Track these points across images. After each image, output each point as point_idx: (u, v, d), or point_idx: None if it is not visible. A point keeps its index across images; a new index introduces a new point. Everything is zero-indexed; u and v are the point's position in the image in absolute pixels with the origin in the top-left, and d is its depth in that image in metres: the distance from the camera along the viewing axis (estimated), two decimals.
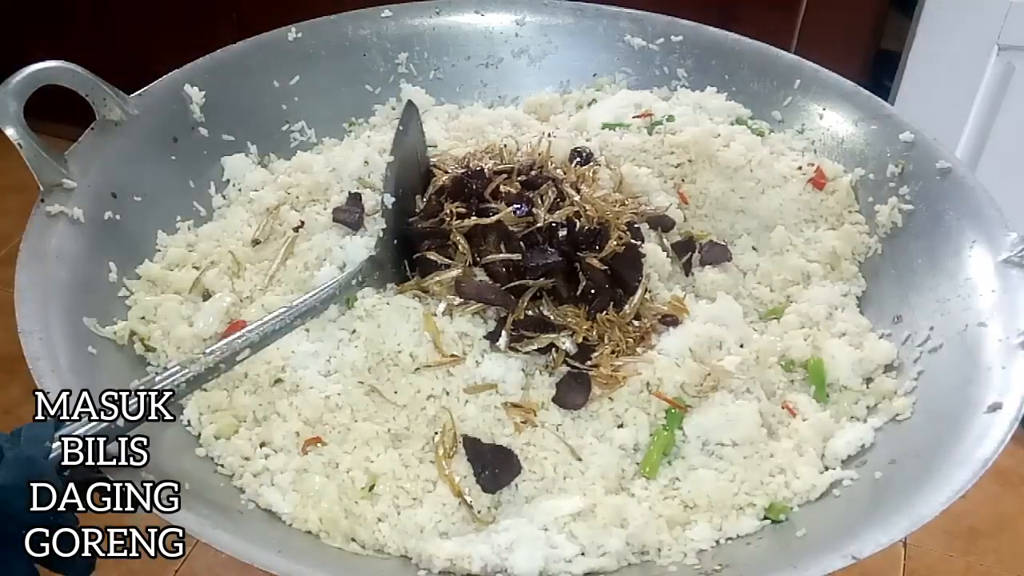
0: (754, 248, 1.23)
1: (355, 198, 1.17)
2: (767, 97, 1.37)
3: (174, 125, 1.22)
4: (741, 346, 1.06)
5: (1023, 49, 1.97)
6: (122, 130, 1.15)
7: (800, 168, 1.26)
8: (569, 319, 1.03)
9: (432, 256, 1.06)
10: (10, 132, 1.02)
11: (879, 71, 2.11)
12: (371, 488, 0.93)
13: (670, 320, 1.07)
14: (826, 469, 0.98)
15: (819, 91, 1.34)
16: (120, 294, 1.08)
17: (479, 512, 0.93)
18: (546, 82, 1.45)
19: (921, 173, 1.20)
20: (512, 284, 1.03)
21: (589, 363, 1.01)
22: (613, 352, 1.02)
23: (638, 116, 1.31)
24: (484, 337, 1.02)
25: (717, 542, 0.93)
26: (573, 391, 1.00)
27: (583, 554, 0.89)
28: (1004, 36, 1.96)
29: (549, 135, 1.26)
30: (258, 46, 1.33)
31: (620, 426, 0.99)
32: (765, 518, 0.95)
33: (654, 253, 1.13)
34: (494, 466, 0.95)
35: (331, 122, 1.37)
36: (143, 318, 1.06)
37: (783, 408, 1.04)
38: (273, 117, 1.33)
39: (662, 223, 1.18)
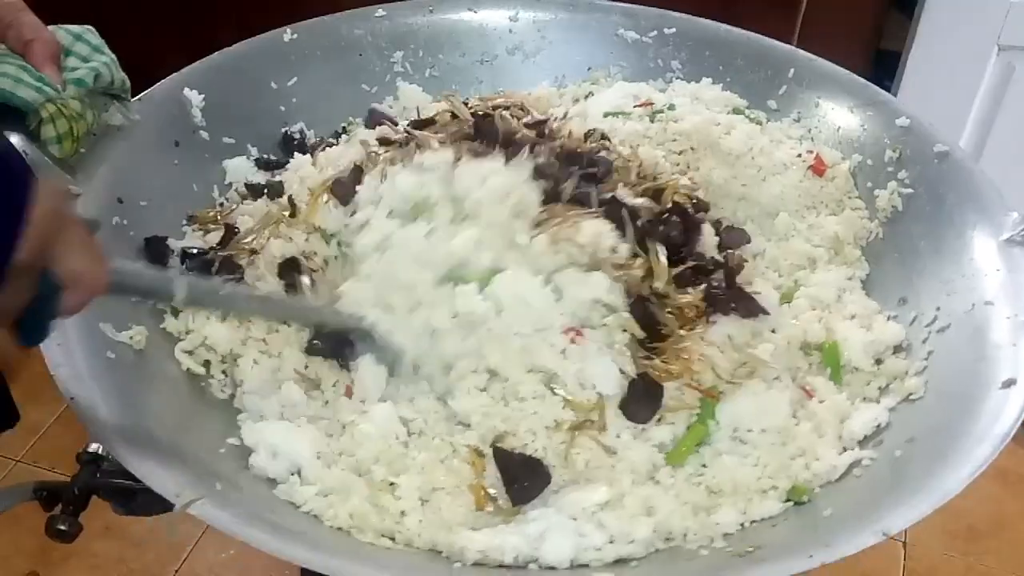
0: (759, 234, 1.23)
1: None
2: (762, 87, 1.38)
3: (175, 129, 1.21)
4: (773, 331, 1.06)
5: (1023, 49, 1.98)
6: (125, 135, 1.14)
7: (800, 155, 1.27)
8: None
9: None
10: (15, 139, 1.01)
11: (879, 71, 2.09)
12: (396, 484, 0.93)
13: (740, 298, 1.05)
14: (844, 450, 0.99)
15: (814, 80, 1.36)
16: (133, 299, 1.07)
17: (505, 507, 0.93)
18: (541, 77, 1.46)
19: (919, 157, 1.22)
20: None
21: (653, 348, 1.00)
22: (682, 327, 1.01)
23: (639, 105, 1.32)
24: None
25: (742, 525, 0.93)
26: (643, 406, 0.97)
27: (612, 542, 0.89)
28: (1004, 36, 1.96)
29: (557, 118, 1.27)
30: (255, 48, 1.33)
31: (659, 420, 0.99)
32: (787, 500, 0.95)
33: (707, 232, 1.14)
34: (523, 479, 0.93)
35: (329, 122, 1.37)
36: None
37: (801, 391, 1.04)
38: (272, 119, 1.32)
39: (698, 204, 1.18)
